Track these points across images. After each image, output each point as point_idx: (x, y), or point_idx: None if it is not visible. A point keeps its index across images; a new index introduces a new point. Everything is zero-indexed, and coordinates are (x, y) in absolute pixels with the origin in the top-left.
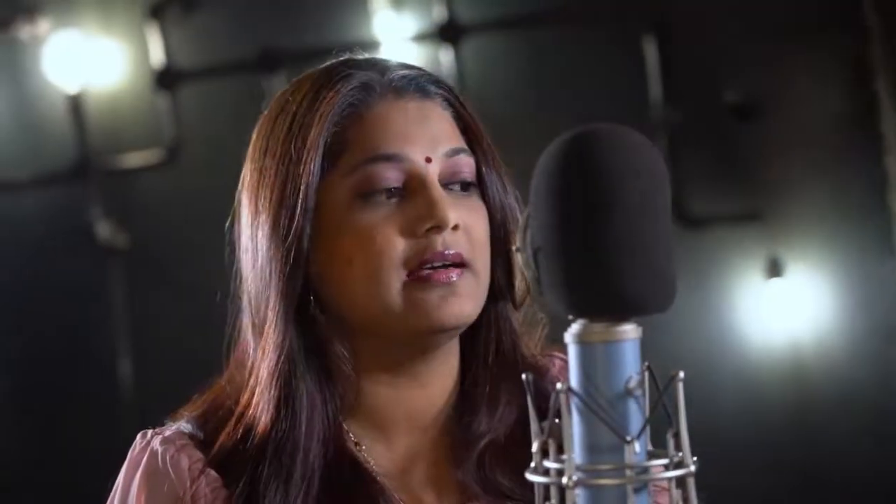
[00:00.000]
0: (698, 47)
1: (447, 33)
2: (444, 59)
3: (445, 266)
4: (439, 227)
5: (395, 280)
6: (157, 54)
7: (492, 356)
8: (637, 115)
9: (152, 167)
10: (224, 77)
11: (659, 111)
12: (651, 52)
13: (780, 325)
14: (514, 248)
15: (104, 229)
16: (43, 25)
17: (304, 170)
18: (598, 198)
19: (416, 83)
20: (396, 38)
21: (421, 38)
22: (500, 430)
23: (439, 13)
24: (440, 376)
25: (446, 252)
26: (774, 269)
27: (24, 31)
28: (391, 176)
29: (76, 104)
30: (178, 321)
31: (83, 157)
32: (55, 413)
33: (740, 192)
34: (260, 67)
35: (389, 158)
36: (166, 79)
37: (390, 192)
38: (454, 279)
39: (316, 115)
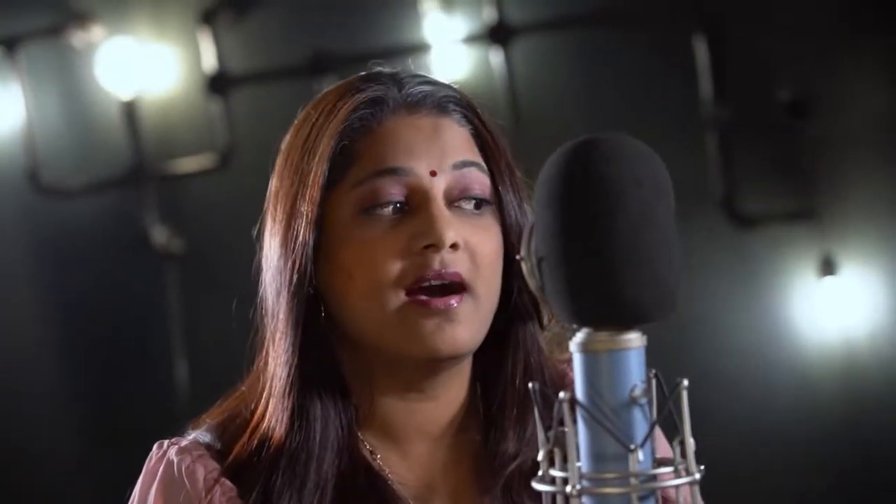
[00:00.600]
0: (750, 45)
1: (497, 35)
2: (493, 61)
3: (444, 286)
4: (436, 246)
5: (393, 298)
6: (209, 59)
7: (519, 377)
8: (689, 114)
9: (205, 172)
10: (276, 81)
11: (710, 110)
12: (702, 50)
13: (833, 323)
14: (517, 256)
15: (159, 234)
16: (96, 32)
17: (312, 181)
18: (599, 207)
19: (433, 98)
20: (446, 40)
21: (471, 39)
22: (528, 453)
23: (489, 14)
24: (450, 390)
25: (443, 271)
26: (828, 268)
27: (78, 38)
28: (394, 191)
29: (130, 110)
30: (230, 324)
31: (137, 162)
32: (113, 415)
33: (793, 190)
34: (311, 71)
35: (393, 172)
36: (218, 84)
37: (394, 207)
38: (453, 305)
39: (328, 127)
